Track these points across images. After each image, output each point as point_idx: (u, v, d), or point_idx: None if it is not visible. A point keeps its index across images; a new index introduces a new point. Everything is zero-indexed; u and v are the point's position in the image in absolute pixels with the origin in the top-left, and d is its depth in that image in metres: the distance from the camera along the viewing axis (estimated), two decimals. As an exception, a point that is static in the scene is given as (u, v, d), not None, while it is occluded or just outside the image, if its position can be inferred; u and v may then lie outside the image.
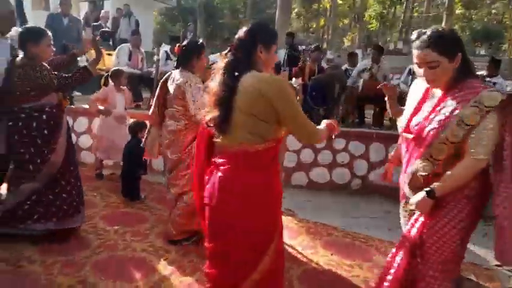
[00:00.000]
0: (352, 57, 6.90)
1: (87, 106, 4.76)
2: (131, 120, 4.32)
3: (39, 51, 2.63)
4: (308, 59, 6.25)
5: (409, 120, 1.78)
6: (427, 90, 1.78)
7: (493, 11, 21.79)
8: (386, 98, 2.21)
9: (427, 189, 1.62)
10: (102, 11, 10.00)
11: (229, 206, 1.77)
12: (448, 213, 1.64)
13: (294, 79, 5.42)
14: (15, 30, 2.99)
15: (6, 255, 2.55)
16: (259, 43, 1.70)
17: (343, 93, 5.79)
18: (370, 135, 4.53)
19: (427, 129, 1.64)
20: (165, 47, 6.66)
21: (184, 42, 2.91)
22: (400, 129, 1.88)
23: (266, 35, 1.73)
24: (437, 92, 1.71)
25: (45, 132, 2.67)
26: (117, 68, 4.62)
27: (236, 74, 1.66)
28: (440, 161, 1.61)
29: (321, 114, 5.37)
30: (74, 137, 4.23)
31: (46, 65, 2.67)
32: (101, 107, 4.26)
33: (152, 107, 3.02)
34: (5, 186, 2.91)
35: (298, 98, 4.73)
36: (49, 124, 2.68)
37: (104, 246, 2.85)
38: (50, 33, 2.72)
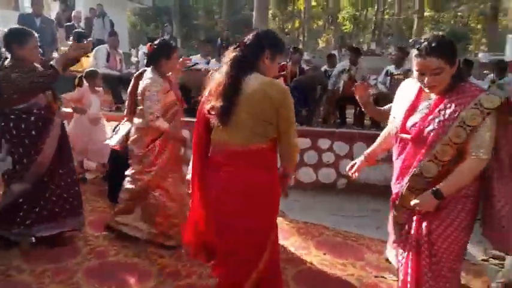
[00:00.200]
0: (330, 59, 7.03)
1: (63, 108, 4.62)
2: (107, 123, 4.22)
3: (25, 54, 2.56)
4: (288, 60, 6.31)
5: (405, 121, 1.79)
6: (419, 92, 1.80)
7: (459, 14, 22.70)
8: (357, 98, 2.30)
9: (434, 189, 1.66)
10: (74, 11, 9.69)
11: (230, 205, 1.80)
12: (450, 213, 1.69)
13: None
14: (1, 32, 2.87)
15: (-6, 266, 2.46)
16: (267, 48, 1.76)
17: (325, 94, 5.89)
18: (354, 135, 4.64)
19: (427, 129, 1.67)
20: (143, 48, 6.58)
21: (156, 42, 2.93)
22: (394, 130, 1.89)
23: (274, 43, 1.80)
24: (431, 94, 1.75)
25: (33, 133, 2.64)
26: (92, 68, 4.52)
27: (242, 69, 1.71)
28: (445, 162, 1.65)
29: (303, 115, 5.44)
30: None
31: (37, 66, 2.61)
32: (74, 107, 4.14)
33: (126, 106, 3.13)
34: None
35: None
36: (37, 125, 2.64)
37: (94, 252, 2.78)
38: (36, 35, 2.63)
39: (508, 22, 19.22)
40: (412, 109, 1.79)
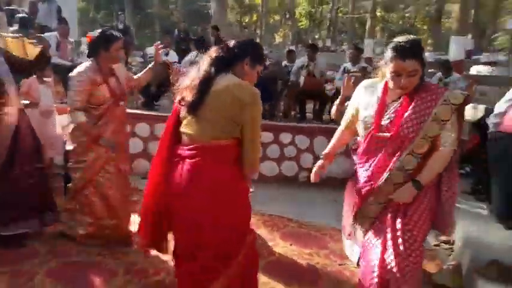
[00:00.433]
0: (290, 54, 7.15)
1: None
2: (59, 116, 3.99)
3: None
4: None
5: (378, 121, 1.84)
6: (385, 91, 1.85)
7: (406, 15, 23.95)
8: (343, 93, 2.44)
9: (414, 180, 1.78)
10: (16, -8, 8.99)
11: (196, 201, 1.77)
12: (423, 199, 1.83)
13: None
14: None
15: None
16: (249, 55, 1.81)
17: (285, 89, 5.98)
18: (314, 130, 4.79)
19: (405, 127, 1.77)
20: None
21: (96, 33, 2.80)
22: (364, 131, 1.91)
23: (256, 53, 1.85)
24: (397, 93, 1.81)
25: None
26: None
27: (217, 68, 1.75)
28: (421, 154, 1.79)
29: (266, 109, 5.48)
30: None
31: None
32: (25, 102, 3.87)
33: None
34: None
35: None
36: None
37: (54, 253, 2.64)
38: None
39: (450, 24, 20.58)
40: (382, 109, 1.84)
